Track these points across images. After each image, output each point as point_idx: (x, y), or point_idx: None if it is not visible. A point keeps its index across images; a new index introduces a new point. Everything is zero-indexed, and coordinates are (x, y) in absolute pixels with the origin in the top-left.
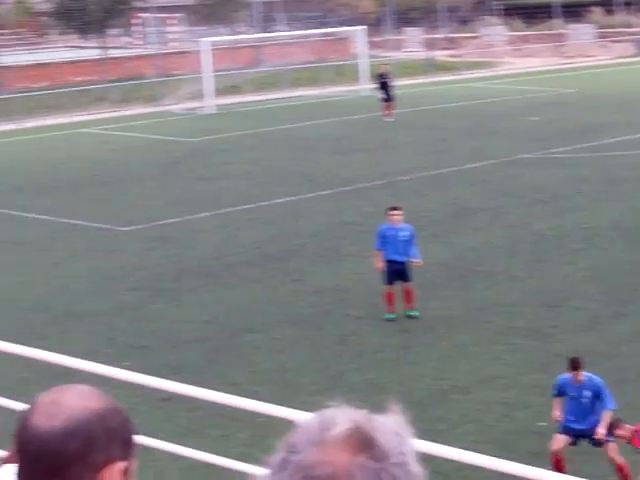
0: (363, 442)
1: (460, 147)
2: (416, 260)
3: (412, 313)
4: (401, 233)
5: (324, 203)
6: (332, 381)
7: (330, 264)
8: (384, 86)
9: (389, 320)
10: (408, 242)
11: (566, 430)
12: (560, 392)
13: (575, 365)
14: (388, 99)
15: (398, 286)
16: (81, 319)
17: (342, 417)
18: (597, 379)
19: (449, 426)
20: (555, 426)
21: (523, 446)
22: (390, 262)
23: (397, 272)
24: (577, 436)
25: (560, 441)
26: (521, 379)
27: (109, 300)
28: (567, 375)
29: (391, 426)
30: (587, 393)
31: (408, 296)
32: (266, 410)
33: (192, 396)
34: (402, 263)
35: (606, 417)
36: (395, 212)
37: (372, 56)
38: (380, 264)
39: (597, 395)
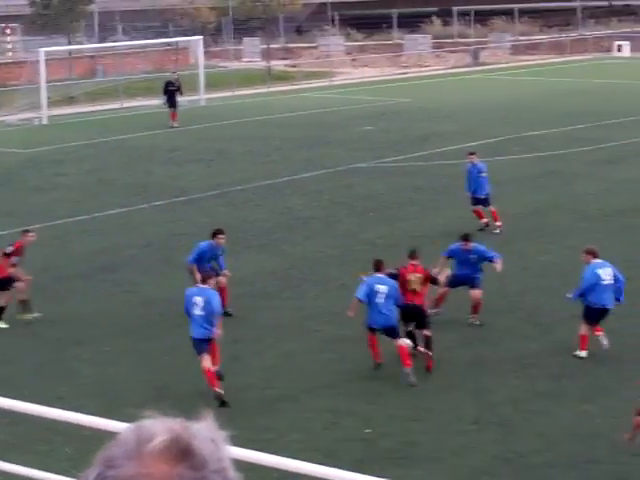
0: (182, 452)
1: (294, 157)
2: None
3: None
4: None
5: (157, 214)
6: (159, 392)
7: (161, 275)
8: (169, 93)
9: None
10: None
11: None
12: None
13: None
14: (172, 106)
15: None
16: None
17: (159, 428)
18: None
19: (276, 435)
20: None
21: (350, 453)
22: None
23: None
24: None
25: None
26: (349, 387)
27: None
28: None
29: (207, 433)
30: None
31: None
32: (89, 422)
33: (10, 410)
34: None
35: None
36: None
37: (210, 66)
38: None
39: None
